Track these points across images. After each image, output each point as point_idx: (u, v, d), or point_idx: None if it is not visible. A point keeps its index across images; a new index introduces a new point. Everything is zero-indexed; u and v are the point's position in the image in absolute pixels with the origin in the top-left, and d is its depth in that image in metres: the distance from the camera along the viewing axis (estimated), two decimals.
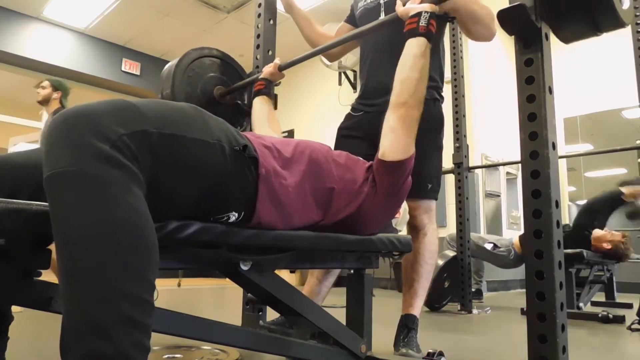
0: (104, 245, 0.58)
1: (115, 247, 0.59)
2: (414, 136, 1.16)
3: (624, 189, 3.28)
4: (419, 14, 1.19)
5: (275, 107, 1.89)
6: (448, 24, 1.79)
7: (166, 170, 0.70)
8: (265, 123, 1.68)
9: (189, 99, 1.77)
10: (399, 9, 1.26)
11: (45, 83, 3.49)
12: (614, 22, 0.85)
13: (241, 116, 1.95)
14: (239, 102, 1.94)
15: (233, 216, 0.85)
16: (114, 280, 0.58)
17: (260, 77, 1.76)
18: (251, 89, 1.82)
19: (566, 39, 0.98)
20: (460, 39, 3.24)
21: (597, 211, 3.35)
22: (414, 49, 1.18)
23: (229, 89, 1.88)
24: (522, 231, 3.57)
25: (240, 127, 1.93)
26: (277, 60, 1.75)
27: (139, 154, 0.64)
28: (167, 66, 1.81)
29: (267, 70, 1.75)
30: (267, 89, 1.75)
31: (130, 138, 0.64)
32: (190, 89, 1.80)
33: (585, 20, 0.86)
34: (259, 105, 1.72)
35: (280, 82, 1.83)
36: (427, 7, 1.20)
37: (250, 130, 1.79)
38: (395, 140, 1.13)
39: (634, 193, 3.28)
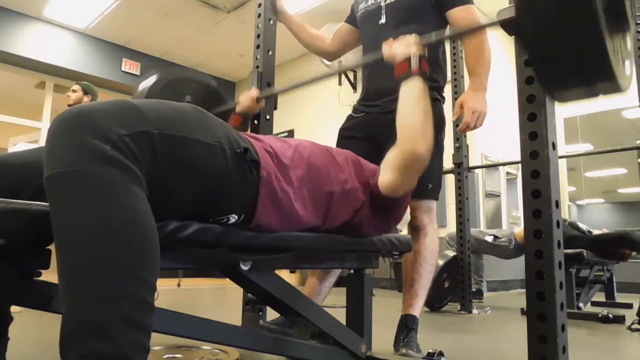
0: (104, 246, 0.58)
1: (116, 248, 0.58)
2: (416, 179, 1.12)
3: None
4: (407, 58, 1.14)
5: (275, 107, 1.89)
6: (447, 26, 1.81)
7: (166, 170, 0.70)
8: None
9: None
10: (385, 51, 1.21)
11: (76, 87, 3.59)
12: (614, 90, 0.83)
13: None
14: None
15: (233, 218, 0.85)
16: (114, 280, 0.58)
17: (237, 110, 1.69)
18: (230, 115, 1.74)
19: (562, 100, 0.96)
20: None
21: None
22: (411, 91, 1.11)
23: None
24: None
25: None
26: (254, 91, 1.71)
27: (140, 155, 0.64)
28: (140, 86, 1.72)
29: (244, 103, 1.68)
30: (244, 125, 1.69)
31: (131, 139, 0.64)
32: None
33: (585, 88, 0.84)
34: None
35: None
36: (414, 50, 1.14)
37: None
38: (395, 181, 1.09)
39: None
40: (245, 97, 1.70)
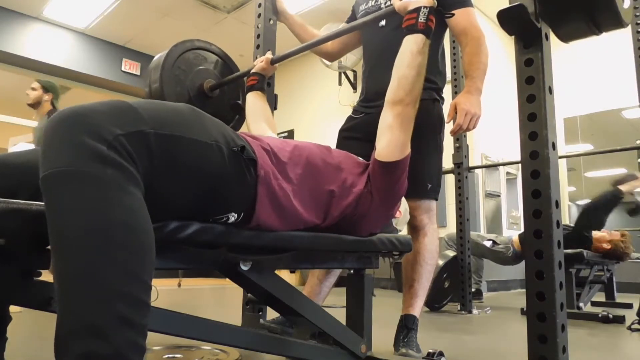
0: (100, 245, 0.58)
1: (111, 247, 0.58)
2: (409, 134, 1.15)
3: (622, 187, 3.30)
4: (417, 10, 1.15)
5: (275, 107, 1.89)
6: (446, 29, 1.81)
7: (163, 170, 0.70)
8: (260, 119, 1.61)
9: (179, 91, 1.74)
10: (396, 3, 1.23)
11: (35, 84, 3.32)
12: (615, 21, 0.85)
13: (233, 112, 1.91)
14: (231, 98, 1.91)
15: (232, 217, 0.85)
16: (110, 280, 0.57)
17: (252, 71, 1.70)
18: (244, 85, 1.77)
19: (565, 37, 0.98)
20: None
21: (596, 211, 3.36)
22: (411, 45, 1.15)
23: (219, 82, 1.84)
24: (522, 230, 3.57)
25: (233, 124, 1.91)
26: (268, 54, 1.71)
27: (135, 155, 0.64)
28: (156, 57, 1.77)
29: (259, 65, 1.69)
30: (260, 84, 1.68)
31: (126, 138, 0.64)
32: (180, 80, 1.76)
33: (586, 19, 0.86)
34: (253, 101, 1.65)
35: (273, 75, 1.80)
36: (425, 1, 1.16)
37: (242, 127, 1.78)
38: (391, 139, 1.12)
39: (631, 189, 3.31)
40: (260, 60, 1.72)
